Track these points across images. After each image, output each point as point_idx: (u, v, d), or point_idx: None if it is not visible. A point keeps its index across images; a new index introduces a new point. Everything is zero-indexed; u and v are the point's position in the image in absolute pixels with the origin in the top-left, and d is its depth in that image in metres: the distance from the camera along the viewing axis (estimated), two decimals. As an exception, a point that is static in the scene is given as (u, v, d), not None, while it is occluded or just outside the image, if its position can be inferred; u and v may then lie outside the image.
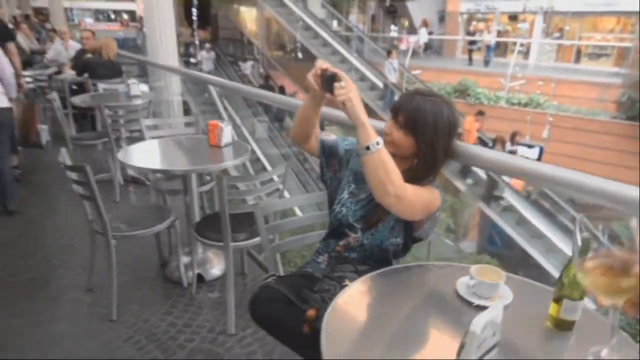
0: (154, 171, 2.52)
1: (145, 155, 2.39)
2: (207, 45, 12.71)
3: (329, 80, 1.24)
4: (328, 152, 1.49)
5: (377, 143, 1.19)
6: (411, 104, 1.29)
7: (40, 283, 2.54)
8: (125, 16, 31.14)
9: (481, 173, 7.06)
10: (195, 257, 2.44)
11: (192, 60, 12.45)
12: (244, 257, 2.59)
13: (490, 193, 7.03)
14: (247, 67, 13.56)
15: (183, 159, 2.47)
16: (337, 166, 1.49)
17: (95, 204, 2.01)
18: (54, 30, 8.57)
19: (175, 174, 2.68)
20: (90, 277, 2.37)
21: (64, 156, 2.10)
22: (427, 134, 1.27)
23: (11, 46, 4.68)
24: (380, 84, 10.58)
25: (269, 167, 5.48)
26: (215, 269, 2.57)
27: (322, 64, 1.28)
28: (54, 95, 3.58)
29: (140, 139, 3.60)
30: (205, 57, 11.51)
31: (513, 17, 17.93)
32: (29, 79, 4.93)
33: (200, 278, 2.47)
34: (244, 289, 2.44)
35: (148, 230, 2.21)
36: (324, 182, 1.54)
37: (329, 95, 1.28)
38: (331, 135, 1.52)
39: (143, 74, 6.00)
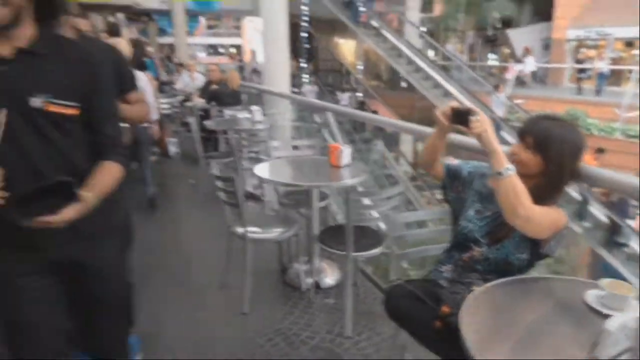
0: (284, 185, 2.80)
1: (275, 171, 2.72)
2: (311, 78, 13.51)
3: (463, 115, 1.42)
4: (452, 175, 1.66)
5: (508, 169, 1.33)
6: (539, 126, 1.42)
7: (180, 278, 2.96)
8: (232, 50, 34.05)
9: (601, 216, 6.50)
10: (313, 265, 2.70)
11: (296, 90, 13.28)
12: (357, 270, 2.79)
13: (612, 238, 6.41)
14: (344, 97, 14.09)
15: (306, 176, 2.76)
16: (460, 187, 1.65)
17: (239, 210, 2.36)
18: (180, 64, 9.77)
19: (297, 190, 3.00)
20: (224, 275, 2.73)
21: (215, 168, 2.49)
22: (555, 155, 1.39)
23: (147, 74, 5.49)
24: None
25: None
26: (329, 278, 2.80)
27: (453, 103, 1.48)
28: (193, 119, 4.16)
29: (258, 159, 4.04)
30: (309, 90, 12.21)
31: (629, 44, 16.61)
32: (166, 105, 5.72)
33: (315, 285, 2.72)
34: (356, 298, 2.63)
35: (279, 236, 2.52)
36: (446, 201, 1.71)
37: (463, 128, 1.45)
38: (454, 160, 1.70)
39: (251, 102, 6.65)
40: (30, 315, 1.26)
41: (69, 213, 1.10)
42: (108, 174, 1.24)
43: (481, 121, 1.37)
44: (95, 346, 1.48)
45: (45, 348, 1.29)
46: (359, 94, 13.67)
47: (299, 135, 5.91)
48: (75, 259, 1.27)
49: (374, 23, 11.64)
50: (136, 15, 14.16)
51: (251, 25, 29.40)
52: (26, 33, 1.14)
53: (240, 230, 2.47)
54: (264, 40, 5.92)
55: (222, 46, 35.24)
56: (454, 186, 1.66)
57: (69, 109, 1.16)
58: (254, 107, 4.53)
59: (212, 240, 3.38)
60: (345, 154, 2.68)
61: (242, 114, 4.90)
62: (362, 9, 11.34)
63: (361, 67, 14.11)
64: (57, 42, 1.20)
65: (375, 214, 3.08)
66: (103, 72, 1.27)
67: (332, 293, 2.70)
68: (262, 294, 2.67)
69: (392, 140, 10.40)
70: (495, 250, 1.50)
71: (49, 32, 1.19)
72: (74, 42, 1.30)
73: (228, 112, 5.09)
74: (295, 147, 3.76)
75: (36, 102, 1.12)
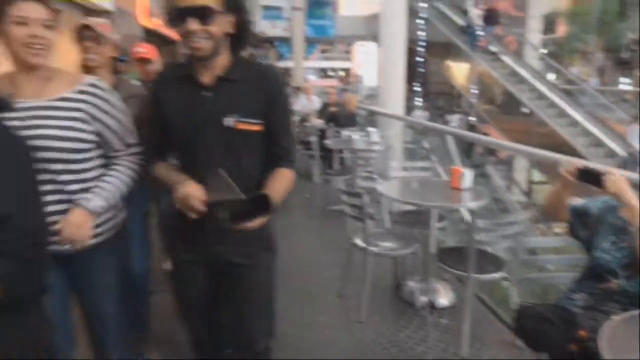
0: (407, 203, 2.89)
1: (395, 190, 2.86)
2: (422, 103, 13.50)
3: (593, 175, 1.45)
4: (581, 215, 1.69)
5: None
6: None
7: (300, 284, 3.20)
8: (342, 73, 35.18)
9: None
10: (428, 284, 2.77)
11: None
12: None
13: None
14: (453, 119, 13.81)
15: (425, 196, 2.84)
16: (591, 224, 1.66)
17: (364, 224, 2.53)
18: (297, 88, 10.44)
19: (413, 209, 3.10)
20: (342, 285, 2.92)
21: (341, 183, 2.71)
22: None
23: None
24: (617, 149, 8.99)
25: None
26: (443, 299, 2.84)
27: (579, 162, 1.53)
28: (314, 139, 4.49)
29: (371, 178, 4.20)
30: (419, 115, 12.20)
31: None
32: (288, 125, 6.21)
33: (430, 304, 2.77)
34: (472, 322, 2.63)
35: (398, 252, 2.64)
36: (575, 237, 1.73)
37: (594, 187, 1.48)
38: (579, 200, 1.71)
39: (365, 124, 6.88)
40: (189, 293, 1.55)
41: (259, 220, 1.26)
42: (284, 181, 1.42)
43: (616, 180, 1.39)
44: (236, 341, 1.60)
45: (199, 322, 1.58)
46: (472, 118, 13.30)
47: (409, 158, 6.00)
48: (229, 258, 1.45)
49: (493, 48, 11.29)
50: (259, 42, 15.47)
51: (362, 50, 30.18)
52: (223, 62, 1.36)
53: (361, 243, 2.65)
54: (380, 64, 6.16)
55: (332, 69, 36.58)
56: (584, 224, 1.68)
57: (255, 126, 1.37)
58: (371, 129, 4.74)
59: (327, 250, 3.63)
60: (467, 177, 2.73)
61: (358, 135, 5.15)
62: (480, 33, 11.09)
63: (474, 91, 13.74)
64: (244, 68, 1.41)
65: (488, 238, 3.05)
66: (281, 91, 1.46)
67: (446, 313, 2.73)
68: (378, 306, 2.80)
69: (504, 167, 9.94)
70: (634, 284, 1.48)
71: (238, 59, 1.41)
72: (256, 66, 1.50)
73: (345, 132, 5.36)
74: (405, 169, 3.88)
75: (229, 121, 1.34)
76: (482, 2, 12.10)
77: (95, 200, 1.39)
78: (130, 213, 1.69)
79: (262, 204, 1.24)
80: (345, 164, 5.37)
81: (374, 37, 15.72)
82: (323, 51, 31.12)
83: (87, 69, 1.82)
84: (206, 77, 1.35)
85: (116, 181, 1.46)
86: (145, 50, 2.97)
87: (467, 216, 4.50)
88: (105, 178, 1.45)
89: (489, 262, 2.51)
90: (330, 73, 35.88)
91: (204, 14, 1.25)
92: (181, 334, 2.39)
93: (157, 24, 5.80)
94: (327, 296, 2.99)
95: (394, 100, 5.99)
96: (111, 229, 1.51)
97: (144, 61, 2.93)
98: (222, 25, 1.30)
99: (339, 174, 4.84)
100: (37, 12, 1.27)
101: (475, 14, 11.32)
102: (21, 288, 0.85)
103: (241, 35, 1.37)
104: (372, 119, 6.92)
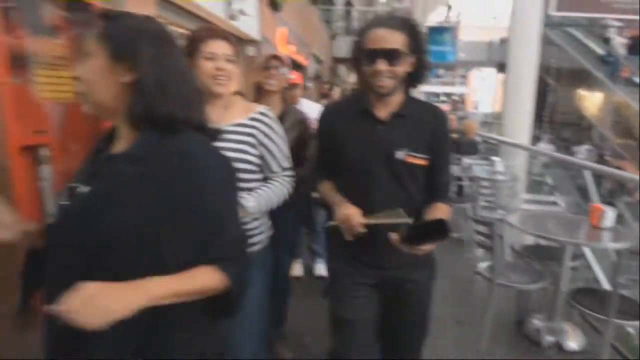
0: (546, 239, 2.74)
1: (526, 223, 2.79)
2: (547, 134, 12.66)
3: None
4: None
5: None
6: None
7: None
8: (455, 98, 34.24)
9: None
10: (556, 323, 2.65)
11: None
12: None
13: None
14: (581, 150, 12.72)
15: (563, 232, 2.71)
16: None
17: (493, 254, 2.53)
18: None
19: (539, 244, 3.00)
20: (461, 312, 2.92)
21: (471, 212, 2.74)
22: None
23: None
24: None
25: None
26: (572, 341, 2.69)
27: None
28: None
29: (491, 208, 4.11)
30: (544, 148, 11.46)
31: None
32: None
33: (557, 345, 2.65)
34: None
35: (527, 286, 2.59)
36: None
37: None
38: None
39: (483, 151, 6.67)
40: (353, 315, 1.54)
41: (433, 245, 1.30)
42: (444, 214, 1.45)
43: None
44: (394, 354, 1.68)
45: (357, 343, 1.55)
46: (605, 152, 12.14)
47: (532, 191, 5.71)
48: (397, 280, 1.54)
49: (638, 79, 10.26)
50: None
51: (479, 75, 29.22)
52: (398, 99, 1.45)
53: (486, 273, 2.64)
54: (505, 91, 6.00)
55: (445, 94, 35.67)
56: None
57: (421, 160, 1.43)
58: (496, 158, 4.64)
59: (443, 277, 3.59)
60: (609, 215, 2.60)
61: (479, 163, 5.06)
62: (623, 62, 10.17)
63: (608, 122, 12.51)
64: (415, 105, 1.50)
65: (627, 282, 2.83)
66: (446, 130, 1.54)
67: (575, 358, 2.59)
68: (498, 338, 2.75)
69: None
70: None
71: (409, 96, 1.50)
72: (425, 104, 1.55)
73: (467, 160, 5.30)
74: (527, 201, 3.73)
75: (400, 154, 1.41)
76: (626, 30, 11.06)
77: (250, 200, 1.51)
78: (284, 224, 1.91)
79: (439, 229, 1.27)
80: (464, 192, 5.30)
81: (495, 63, 15.16)
82: (437, 76, 30.65)
83: (263, 92, 2.14)
84: (382, 112, 1.45)
85: (270, 192, 1.60)
86: (294, 76, 3.32)
87: (590, 257, 4.18)
88: (262, 187, 1.61)
89: (630, 307, 2.35)
90: (443, 98, 35.08)
91: (392, 56, 1.36)
92: (308, 334, 2.64)
93: (291, 50, 6.34)
94: (445, 321, 2.99)
95: (520, 130, 5.77)
96: (260, 243, 1.64)
97: (291, 86, 3.28)
98: (405, 65, 1.40)
99: (455, 201, 4.79)
100: (223, 48, 1.50)
101: (619, 42, 10.41)
102: (243, 289, 0.93)
103: (418, 74, 1.46)
104: (491, 147, 6.72)
